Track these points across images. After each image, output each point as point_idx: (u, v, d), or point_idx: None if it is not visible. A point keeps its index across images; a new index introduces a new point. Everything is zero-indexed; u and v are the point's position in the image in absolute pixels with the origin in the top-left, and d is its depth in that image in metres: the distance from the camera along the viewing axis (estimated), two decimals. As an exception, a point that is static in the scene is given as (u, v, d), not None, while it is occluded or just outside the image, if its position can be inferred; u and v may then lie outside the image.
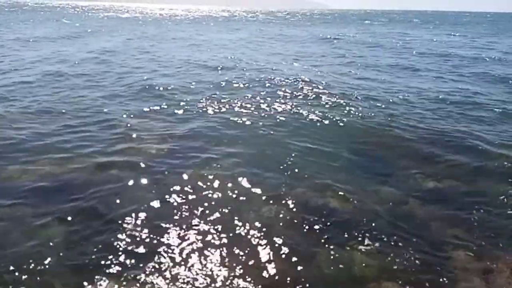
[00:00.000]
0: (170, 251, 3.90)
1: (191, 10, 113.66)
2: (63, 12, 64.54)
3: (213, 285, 3.50)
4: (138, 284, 3.45)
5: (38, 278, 3.49)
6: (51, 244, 3.93)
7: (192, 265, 3.71)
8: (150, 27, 35.83)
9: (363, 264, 3.82)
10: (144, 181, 5.26)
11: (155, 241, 4.03)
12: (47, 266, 3.63)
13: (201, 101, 9.26)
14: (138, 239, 4.05)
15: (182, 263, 3.74)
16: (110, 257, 3.76)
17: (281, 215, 4.58)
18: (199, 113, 8.37)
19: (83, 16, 52.99)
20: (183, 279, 3.55)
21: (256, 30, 36.71)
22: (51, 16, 48.60)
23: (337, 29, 40.18)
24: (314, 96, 9.94)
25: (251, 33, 31.86)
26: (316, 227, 4.39)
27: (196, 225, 4.32)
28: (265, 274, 3.65)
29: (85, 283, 3.44)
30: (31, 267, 3.61)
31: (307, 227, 4.37)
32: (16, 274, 3.53)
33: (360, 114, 8.43)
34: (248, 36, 29.09)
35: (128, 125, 7.46)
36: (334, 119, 8.00)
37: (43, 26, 31.93)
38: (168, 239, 4.07)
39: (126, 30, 31.56)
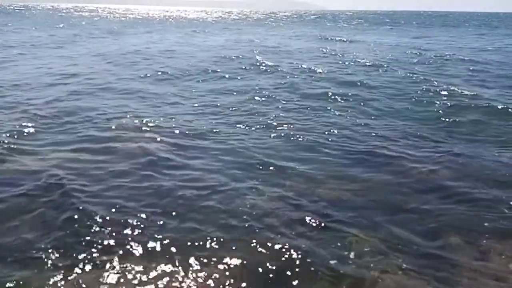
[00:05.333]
0: (163, 247, 3.85)
1: (168, 11, 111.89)
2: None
3: (208, 281, 3.44)
4: (130, 281, 3.41)
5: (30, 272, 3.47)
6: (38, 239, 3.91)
7: (186, 261, 3.64)
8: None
9: (360, 254, 3.81)
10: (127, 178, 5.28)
11: (146, 239, 3.96)
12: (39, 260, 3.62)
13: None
14: (130, 235, 4.01)
15: (180, 259, 3.66)
16: (105, 253, 3.72)
17: (276, 210, 4.54)
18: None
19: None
20: (180, 276, 3.47)
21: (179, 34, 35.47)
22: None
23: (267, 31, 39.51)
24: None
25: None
26: (312, 219, 4.36)
27: (188, 222, 4.29)
28: (263, 268, 3.58)
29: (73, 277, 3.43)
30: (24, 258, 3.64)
31: (302, 220, 4.35)
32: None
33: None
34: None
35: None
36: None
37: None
38: (162, 236, 4.00)
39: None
